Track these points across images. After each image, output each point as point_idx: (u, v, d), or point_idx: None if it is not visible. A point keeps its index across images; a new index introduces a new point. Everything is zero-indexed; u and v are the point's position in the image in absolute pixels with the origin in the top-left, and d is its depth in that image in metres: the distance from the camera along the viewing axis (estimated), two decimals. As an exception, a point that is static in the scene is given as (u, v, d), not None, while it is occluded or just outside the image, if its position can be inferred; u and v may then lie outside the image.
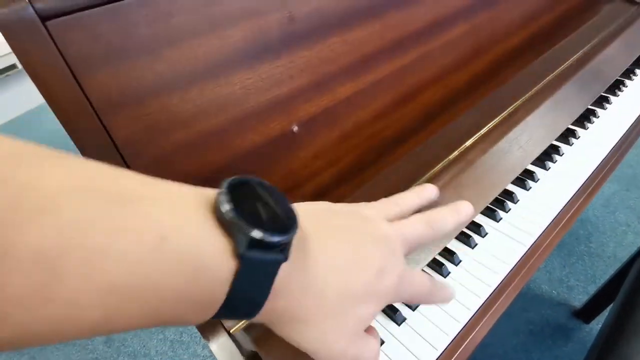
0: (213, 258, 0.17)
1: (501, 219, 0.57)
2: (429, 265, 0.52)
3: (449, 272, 0.51)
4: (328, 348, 0.23)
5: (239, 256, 0.18)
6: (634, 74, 0.85)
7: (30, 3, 0.24)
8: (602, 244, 1.37)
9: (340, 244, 0.24)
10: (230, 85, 0.35)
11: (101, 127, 0.28)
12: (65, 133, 0.26)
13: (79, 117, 0.27)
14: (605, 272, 1.29)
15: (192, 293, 0.17)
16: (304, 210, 0.22)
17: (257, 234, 0.17)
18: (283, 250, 0.19)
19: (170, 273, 0.16)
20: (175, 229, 0.16)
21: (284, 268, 0.20)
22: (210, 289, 0.18)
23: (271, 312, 0.21)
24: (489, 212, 0.58)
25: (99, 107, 0.28)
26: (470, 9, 0.56)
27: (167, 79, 0.31)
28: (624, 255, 1.33)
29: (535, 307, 1.20)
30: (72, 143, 0.27)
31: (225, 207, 0.17)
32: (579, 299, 1.22)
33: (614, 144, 0.69)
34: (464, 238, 0.54)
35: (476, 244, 0.54)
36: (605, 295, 1.10)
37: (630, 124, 0.73)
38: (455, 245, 0.54)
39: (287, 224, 0.19)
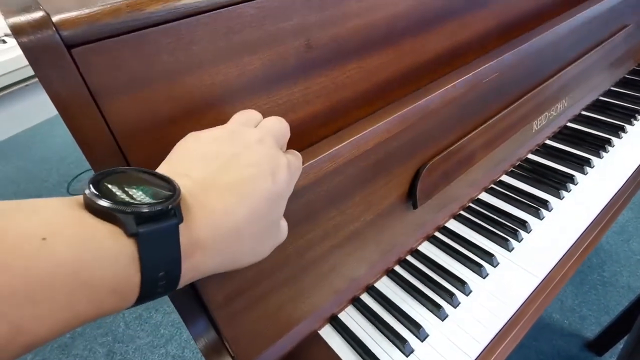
0: (105, 247, 0.19)
1: (513, 248, 0.56)
2: (438, 294, 0.51)
3: (459, 303, 0.50)
4: (263, 253, 0.28)
5: (134, 235, 0.19)
6: (650, 103, 0.84)
7: (57, 30, 0.24)
8: (616, 273, 1.34)
9: (225, 172, 0.25)
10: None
11: (119, 151, 0.28)
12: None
13: (97, 142, 0.27)
14: (618, 303, 1.25)
15: (98, 283, 0.18)
16: (176, 160, 0.25)
17: (137, 210, 0.19)
18: (175, 214, 0.21)
19: (61, 271, 0.17)
20: (54, 232, 0.17)
21: (183, 227, 0.21)
22: (120, 274, 0.19)
23: (196, 267, 0.23)
24: (502, 241, 0.57)
25: (119, 132, 0.28)
26: (485, 36, 0.56)
27: (185, 105, 0.32)
28: (638, 285, 1.29)
29: (546, 336, 1.17)
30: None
31: (97, 200, 0.19)
32: (592, 330, 1.19)
33: (630, 173, 0.68)
34: (475, 267, 0.53)
35: (487, 274, 0.53)
36: (619, 327, 1.07)
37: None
38: (467, 275, 0.53)
39: (165, 191, 0.21)
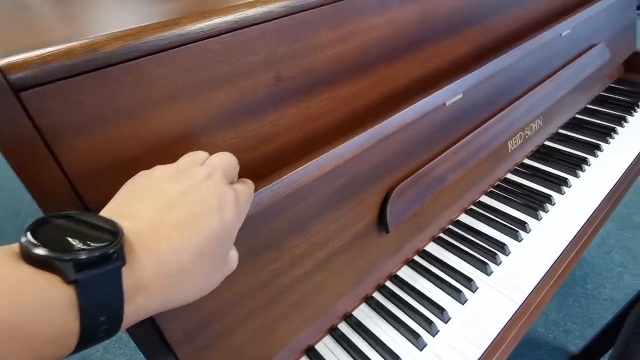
0: (42, 298, 0.18)
1: (492, 272, 0.56)
2: (417, 322, 0.50)
3: (438, 331, 0.49)
4: (210, 286, 0.27)
5: (73, 282, 0.19)
6: (625, 121, 0.86)
7: (3, 74, 0.23)
8: (599, 285, 1.35)
9: (172, 211, 0.25)
10: (212, 145, 0.34)
11: (75, 195, 0.27)
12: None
13: (50, 187, 0.26)
14: (602, 316, 1.26)
15: (35, 335, 0.18)
16: (122, 200, 0.25)
17: (75, 257, 0.19)
18: (117, 257, 0.21)
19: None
20: None
21: (126, 269, 0.21)
22: (57, 323, 0.19)
23: (140, 309, 0.22)
24: (481, 265, 0.56)
25: (75, 175, 0.27)
26: (461, 62, 0.57)
27: (148, 143, 0.31)
28: (621, 297, 1.30)
29: (531, 351, 1.17)
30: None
31: (33, 249, 0.19)
32: (576, 344, 1.19)
33: (606, 193, 0.69)
34: (454, 293, 0.53)
35: (466, 300, 0.53)
36: (603, 341, 1.07)
37: (622, 172, 0.73)
38: (446, 301, 0.52)
39: (107, 235, 0.21)
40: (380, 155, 0.46)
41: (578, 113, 0.91)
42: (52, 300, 0.19)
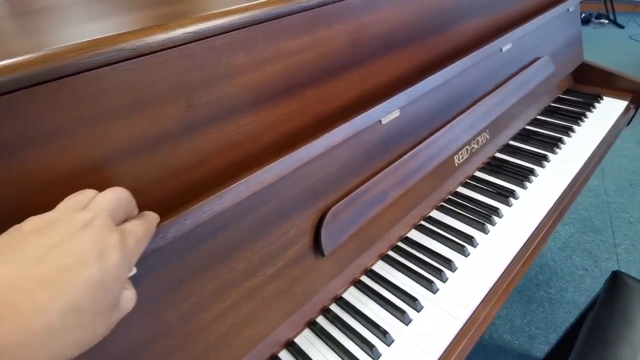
0: None
1: (438, 289, 0.56)
2: (360, 347, 0.49)
3: (380, 355, 0.48)
4: (95, 338, 0.25)
5: None
6: (573, 131, 0.88)
7: None
8: (562, 289, 1.38)
9: (39, 266, 0.23)
10: (119, 178, 0.32)
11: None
12: None
13: None
14: (565, 320, 1.28)
15: None
16: None
17: None
18: None
19: None
20: None
21: None
22: None
23: None
24: (427, 283, 0.56)
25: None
26: (400, 81, 0.57)
27: (39, 182, 0.28)
28: (583, 300, 1.33)
29: (497, 359, 1.17)
30: None
31: None
32: (541, 349, 1.20)
33: (551, 205, 0.70)
34: (398, 313, 0.52)
35: (411, 320, 0.52)
36: (565, 346, 1.09)
37: (569, 181, 0.74)
38: (390, 322, 0.52)
39: None
40: (313, 177, 0.45)
41: (528, 124, 0.93)
42: None
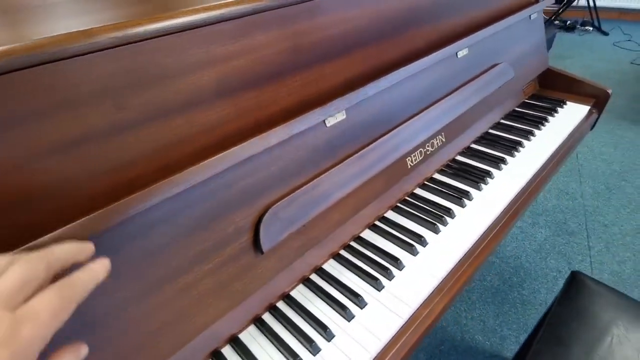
0: None
1: (384, 287, 0.57)
2: (301, 342, 0.50)
3: (320, 350, 0.49)
4: None
5: None
6: (533, 135, 0.91)
7: None
8: (534, 290, 1.40)
9: None
10: (40, 181, 0.34)
11: None
12: None
13: None
14: (536, 320, 1.30)
15: None
16: None
17: None
18: None
19: None
20: None
21: None
22: None
23: None
24: (373, 281, 0.57)
25: None
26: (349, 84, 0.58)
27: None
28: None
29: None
30: None
31: None
32: (512, 350, 1.22)
33: (504, 206, 0.72)
34: (341, 310, 0.53)
35: (353, 317, 0.53)
36: (529, 345, 1.11)
37: (523, 184, 0.76)
38: (332, 317, 0.53)
39: None
40: (252, 176, 0.47)
41: (491, 128, 0.95)
42: None
